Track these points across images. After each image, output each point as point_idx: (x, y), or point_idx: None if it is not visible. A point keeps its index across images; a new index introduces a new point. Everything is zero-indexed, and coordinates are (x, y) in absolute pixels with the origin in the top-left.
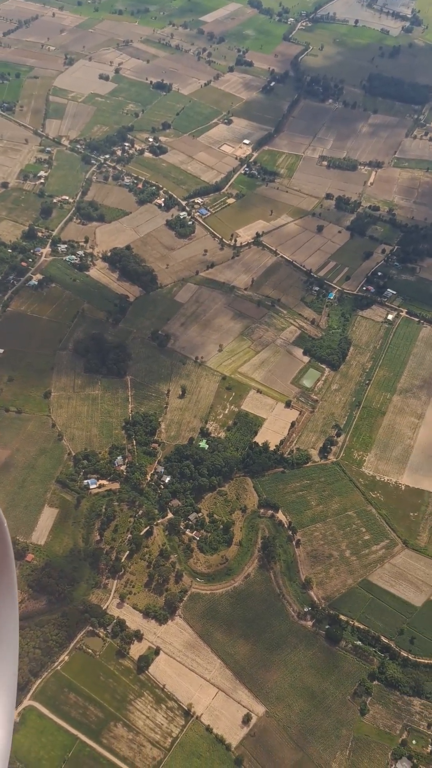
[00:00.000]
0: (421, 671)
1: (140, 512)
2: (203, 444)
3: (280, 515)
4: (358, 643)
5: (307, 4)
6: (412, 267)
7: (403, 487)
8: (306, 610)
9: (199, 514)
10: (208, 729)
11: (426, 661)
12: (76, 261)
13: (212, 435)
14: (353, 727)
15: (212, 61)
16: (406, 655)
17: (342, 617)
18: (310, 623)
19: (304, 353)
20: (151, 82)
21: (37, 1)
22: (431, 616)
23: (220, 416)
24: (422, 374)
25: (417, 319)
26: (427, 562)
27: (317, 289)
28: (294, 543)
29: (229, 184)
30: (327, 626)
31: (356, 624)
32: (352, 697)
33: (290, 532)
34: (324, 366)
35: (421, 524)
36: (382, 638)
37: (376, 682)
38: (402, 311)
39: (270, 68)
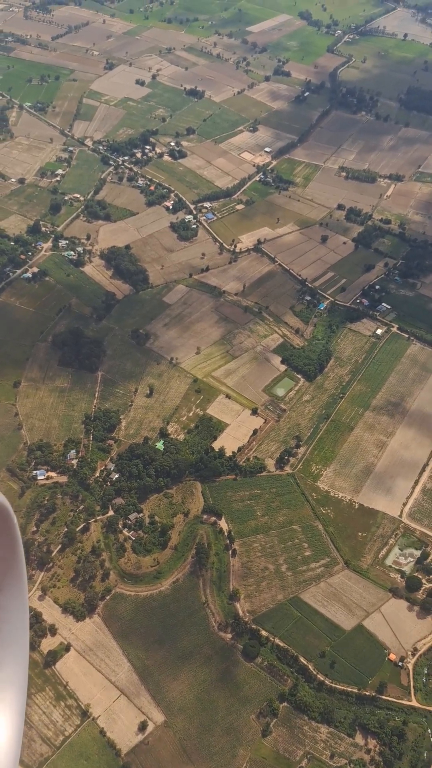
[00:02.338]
0: (335, 698)
1: (81, 507)
2: (159, 445)
3: (223, 523)
4: (275, 661)
5: (359, 18)
6: (412, 282)
7: (356, 506)
8: (228, 621)
9: (140, 515)
10: (102, 732)
11: (342, 688)
12: (74, 257)
13: (171, 436)
14: (252, 747)
15: (250, 70)
16: (322, 679)
17: (264, 633)
18: (229, 636)
19: (282, 362)
20: (185, 88)
21: (91, 8)
22: (358, 641)
23: (184, 418)
24: (401, 392)
25: (407, 336)
26: (365, 585)
27: (308, 298)
28: (230, 552)
29: (242, 190)
30: (247, 640)
31: (277, 642)
32: (257, 717)
33: (228, 541)
34: (300, 376)
35: (368, 545)
36: (301, 659)
37: (285, 704)
38: (393, 326)
39: (307, 79)
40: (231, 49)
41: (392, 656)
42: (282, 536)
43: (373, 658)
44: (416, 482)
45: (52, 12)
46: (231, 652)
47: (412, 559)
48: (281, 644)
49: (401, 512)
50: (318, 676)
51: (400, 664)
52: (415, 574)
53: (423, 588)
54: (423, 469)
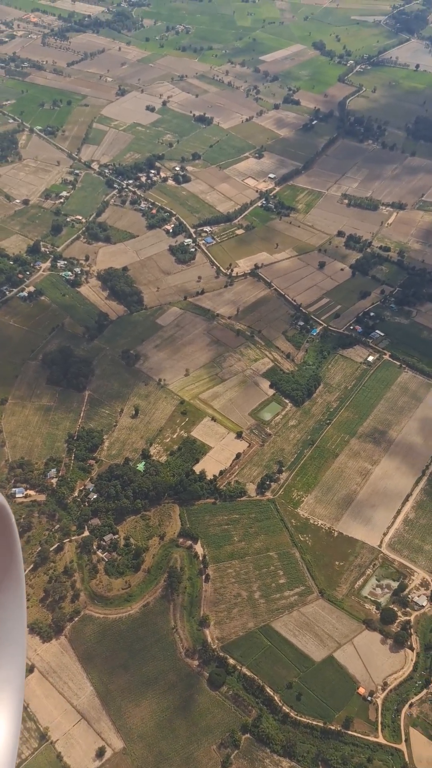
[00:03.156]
0: (299, 731)
1: (57, 527)
2: (140, 466)
3: (198, 547)
4: (241, 691)
5: (372, 49)
6: (408, 310)
7: (335, 534)
8: (196, 648)
9: (116, 536)
10: (59, 756)
11: (307, 721)
12: (71, 277)
13: (153, 458)
14: None
15: (260, 98)
16: (287, 711)
17: (231, 661)
18: (196, 662)
19: (271, 386)
20: (193, 114)
21: (109, 36)
22: (327, 673)
23: (167, 440)
24: (388, 420)
25: (399, 363)
26: (339, 615)
27: (302, 324)
28: (204, 577)
29: (243, 215)
30: (213, 668)
31: (244, 671)
32: (218, 748)
33: (202, 566)
34: (287, 401)
35: (344, 575)
36: (267, 689)
37: (247, 735)
38: (385, 354)
39: (316, 107)
40: (242, 78)
41: (361, 690)
42: (257, 563)
43: (342, 692)
44: (398, 512)
45: (70, 39)
46: (196, 680)
47: (388, 591)
48: (248, 673)
49: (381, 542)
50: (283, 707)
51: (369, 698)
52: (391, 606)
53: (398, 621)
54: (406, 499)
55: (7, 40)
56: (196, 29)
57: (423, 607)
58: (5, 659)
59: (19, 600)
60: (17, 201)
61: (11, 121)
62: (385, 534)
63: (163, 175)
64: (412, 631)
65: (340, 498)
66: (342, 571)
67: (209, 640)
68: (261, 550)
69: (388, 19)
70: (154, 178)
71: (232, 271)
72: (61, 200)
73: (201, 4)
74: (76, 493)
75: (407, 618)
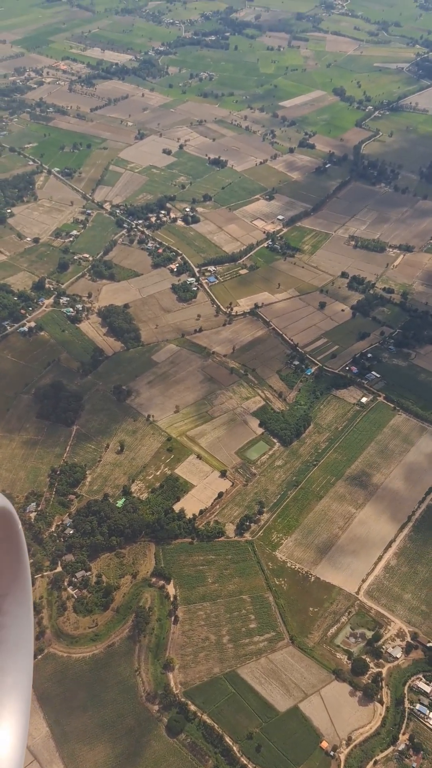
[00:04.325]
0: None
1: (30, 562)
2: (120, 503)
3: (171, 587)
4: (199, 739)
5: (392, 95)
6: (407, 352)
7: (312, 579)
8: (157, 692)
9: (88, 573)
10: None
11: None
12: (72, 313)
13: (134, 495)
14: None
15: (276, 142)
16: (245, 762)
17: (192, 707)
18: (156, 707)
19: (260, 425)
20: (209, 157)
21: (133, 83)
22: (291, 725)
23: (150, 477)
24: (377, 463)
25: (393, 405)
26: (308, 664)
27: (297, 363)
28: (173, 619)
29: (248, 256)
30: (174, 714)
31: (205, 718)
32: None
33: (172, 607)
34: (275, 440)
35: (318, 622)
36: (227, 739)
37: None
38: (380, 396)
39: (330, 151)
40: (260, 122)
41: (324, 744)
42: (229, 606)
43: (304, 745)
44: (379, 558)
45: (96, 86)
46: (155, 726)
47: (362, 640)
48: (209, 721)
49: (359, 589)
50: (241, 759)
51: (332, 753)
52: (363, 657)
53: (369, 672)
54: (389, 546)
55: (35, 86)
56: (219, 76)
57: (397, 659)
58: (13, 665)
59: (27, 606)
60: (28, 239)
61: (31, 163)
62: (363, 580)
63: (173, 215)
64: (383, 683)
65: (321, 542)
66: (316, 618)
67: (172, 684)
68: (234, 592)
69: (411, 66)
70: (164, 219)
71: (231, 309)
72: (71, 239)
73: (226, 53)
74: (53, 528)
75: (379, 670)
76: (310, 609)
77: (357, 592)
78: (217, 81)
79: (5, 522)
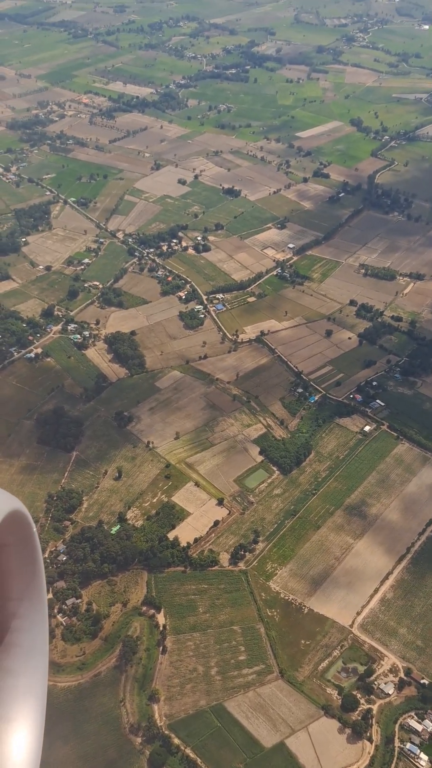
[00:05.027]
0: None
1: None
2: (114, 530)
3: (161, 616)
4: None
5: (409, 125)
6: (413, 381)
7: (305, 610)
8: (141, 724)
9: (78, 600)
10: None
11: None
12: (79, 340)
13: (129, 522)
14: None
15: (290, 172)
16: None
17: (176, 741)
18: (139, 739)
19: (260, 453)
20: (223, 187)
21: (153, 115)
22: (276, 761)
23: (147, 504)
24: (378, 493)
25: (396, 435)
26: (297, 698)
27: (300, 390)
28: (161, 649)
29: (257, 284)
30: (157, 747)
31: (188, 752)
32: None
33: (161, 636)
34: (275, 468)
35: (309, 655)
36: None
37: None
38: (384, 424)
39: (344, 180)
40: (275, 153)
41: None
42: (219, 636)
43: None
44: (376, 591)
45: (116, 118)
46: (136, 759)
47: (354, 675)
48: (192, 755)
49: (353, 622)
50: None
51: None
52: (354, 693)
53: (359, 709)
54: (386, 578)
55: (57, 119)
56: (237, 108)
57: (389, 695)
58: (29, 668)
59: (42, 610)
60: (40, 267)
61: (48, 193)
62: (358, 613)
63: (184, 244)
64: (373, 721)
65: (316, 573)
66: (307, 651)
67: (156, 716)
68: (225, 623)
69: (429, 97)
70: (175, 247)
71: (237, 337)
72: (83, 267)
73: (246, 85)
74: (46, 555)
75: (370, 706)
76: (302, 642)
77: (351, 626)
78: (235, 113)
79: (20, 525)
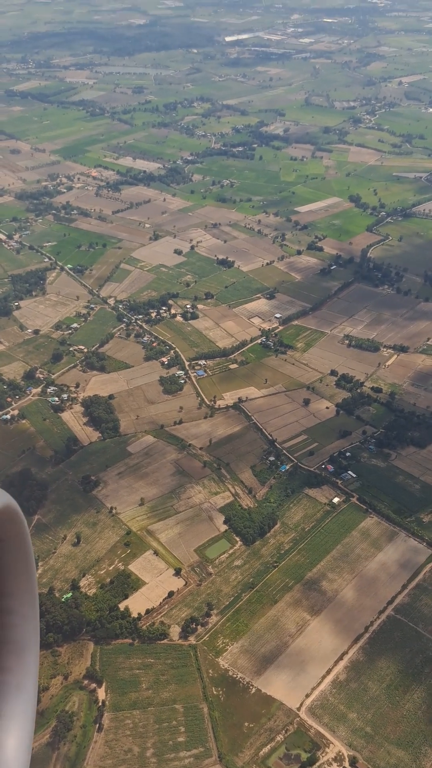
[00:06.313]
0: None
1: None
2: (65, 598)
3: (102, 691)
4: None
5: (406, 202)
6: (387, 453)
7: (253, 690)
8: None
9: None
10: None
11: None
12: (57, 402)
13: (82, 590)
14: None
15: (285, 244)
16: None
17: None
18: None
19: (225, 522)
20: (217, 258)
21: (157, 188)
22: None
23: (102, 572)
24: (340, 567)
25: (365, 507)
26: None
27: (272, 459)
28: (97, 726)
29: (240, 351)
30: None
31: None
32: None
33: (98, 713)
34: (238, 539)
35: (252, 739)
36: None
37: None
38: (353, 496)
39: (337, 254)
40: (272, 226)
41: None
42: (159, 715)
43: None
44: (328, 671)
45: (122, 191)
46: None
47: (296, 763)
48: None
49: (301, 704)
50: None
51: None
52: None
53: None
54: (340, 658)
55: (65, 191)
56: (241, 183)
57: None
58: (20, 665)
59: (33, 606)
60: (29, 331)
61: (46, 260)
62: (308, 695)
63: (173, 311)
64: None
65: (268, 650)
66: (250, 734)
67: None
68: (167, 701)
69: (429, 176)
70: (164, 314)
71: (215, 403)
72: (70, 331)
73: (251, 162)
74: None
75: None
76: (246, 724)
77: (298, 708)
78: (237, 187)
79: (12, 520)
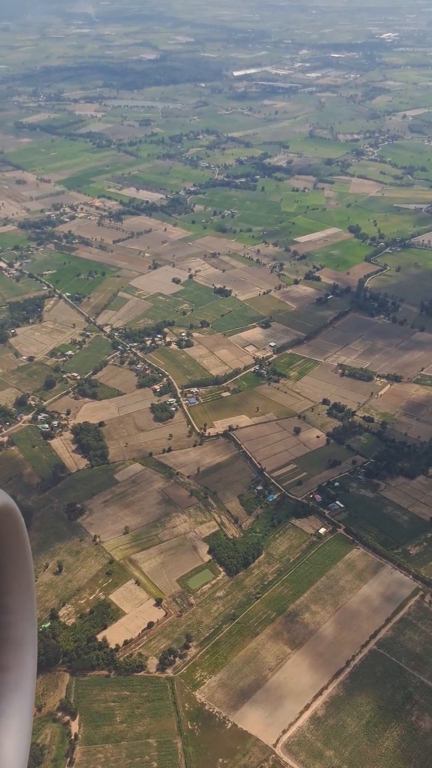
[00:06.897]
0: None
1: None
2: (43, 627)
3: (75, 724)
4: None
5: (406, 233)
6: (376, 483)
7: (229, 725)
8: None
9: None
10: None
11: None
12: (47, 429)
13: (61, 620)
14: None
15: (283, 274)
16: None
17: None
18: None
19: (209, 551)
20: (215, 287)
21: (159, 218)
22: None
23: (83, 601)
24: (324, 600)
25: (352, 538)
26: None
27: (260, 488)
28: (68, 760)
29: (233, 379)
30: None
31: None
32: None
33: (70, 747)
34: (221, 569)
35: None
36: None
37: None
38: (340, 527)
39: (334, 283)
40: (271, 256)
41: None
42: (132, 750)
43: None
44: (307, 707)
45: (124, 221)
46: None
47: None
48: None
49: (277, 741)
50: None
51: None
52: None
53: None
54: (319, 693)
55: (68, 220)
56: (242, 213)
57: None
58: (18, 663)
59: (31, 604)
60: (24, 357)
61: (45, 288)
62: (284, 731)
63: (168, 339)
64: None
65: (246, 684)
66: None
67: None
68: (141, 735)
69: (429, 207)
70: (158, 342)
71: (205, 431)
72: (65, 359)
73: (252, 193)
74: None
75: None
76: (220, 760)
77: (274, 745)
78: (238, 218)
79: (9, 518)
